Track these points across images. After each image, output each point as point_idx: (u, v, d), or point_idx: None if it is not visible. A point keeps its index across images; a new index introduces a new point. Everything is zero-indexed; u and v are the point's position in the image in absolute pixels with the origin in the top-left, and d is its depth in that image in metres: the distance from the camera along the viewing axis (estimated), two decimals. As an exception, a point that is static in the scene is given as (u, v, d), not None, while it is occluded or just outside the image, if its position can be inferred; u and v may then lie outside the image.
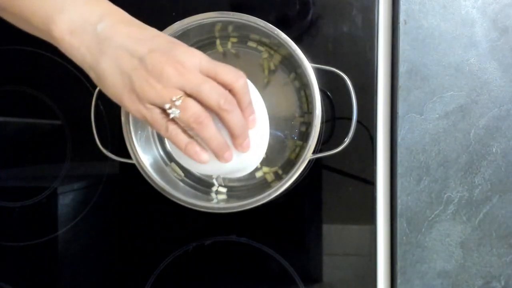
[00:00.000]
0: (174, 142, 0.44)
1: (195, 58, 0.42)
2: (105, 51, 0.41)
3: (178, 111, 0.41)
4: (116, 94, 0.42)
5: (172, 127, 0.43)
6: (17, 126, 0.65)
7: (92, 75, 0.42)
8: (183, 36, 0.56)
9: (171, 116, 0.42)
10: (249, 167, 0.53)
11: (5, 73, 0.64)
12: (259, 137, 0.49)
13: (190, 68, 0.41)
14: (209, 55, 0.60)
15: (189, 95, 0.41)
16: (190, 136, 0.44)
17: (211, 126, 0.43)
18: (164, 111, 0.42)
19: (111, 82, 0.41)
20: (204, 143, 0.44)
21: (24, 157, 0.64)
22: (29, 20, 0.42)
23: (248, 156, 0.48)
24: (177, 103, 0.41)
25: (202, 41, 0.60)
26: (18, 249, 0.63)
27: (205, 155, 0.44)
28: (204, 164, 0.45)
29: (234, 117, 0.43)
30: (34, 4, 0.42)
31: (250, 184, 0.60)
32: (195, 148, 0.44)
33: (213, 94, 0.41)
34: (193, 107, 0.41)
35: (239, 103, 0.44)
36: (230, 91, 0.43)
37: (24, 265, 0.63)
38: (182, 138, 0.43)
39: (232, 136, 0.45)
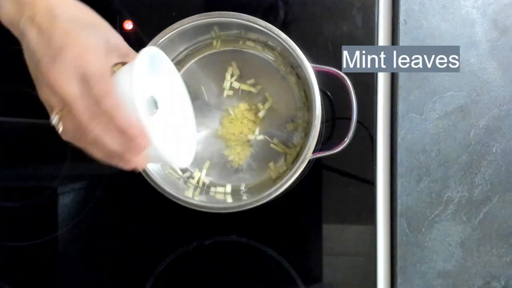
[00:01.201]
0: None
1: (80, 64, 0.38)
2: (24, 43, 0.40)
3: (60, 124, 0.40)
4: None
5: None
6: (17, 126, 0.65)
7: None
8: (182, 36, 0.56)
9: (57, 129, 0.40)
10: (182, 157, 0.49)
11: (5, 73, 0.64)
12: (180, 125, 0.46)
13: (69, 78, 0.38)
14: (208, 55, 0.61)
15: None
16: None
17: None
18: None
19: (31, 72, 0.41)
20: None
21: (24, 157, 0.64)
22: None
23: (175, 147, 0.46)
24: (54, 120, 0.39)
25: (202, 41, 0.60)
26: (18, 249, 0.62)
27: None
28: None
29: (106, 143, 0.39)
30: None
31: (253, 183, 0.60)
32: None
33: (81, 116, 0.38)
34: (69, 124, 0.39)
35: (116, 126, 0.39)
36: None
37: (24, 265, 0.63)
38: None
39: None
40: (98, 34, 0.41)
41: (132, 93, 0.39)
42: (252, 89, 0.60)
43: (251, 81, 0.60)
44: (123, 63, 0.44)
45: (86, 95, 0.38)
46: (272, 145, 0.60)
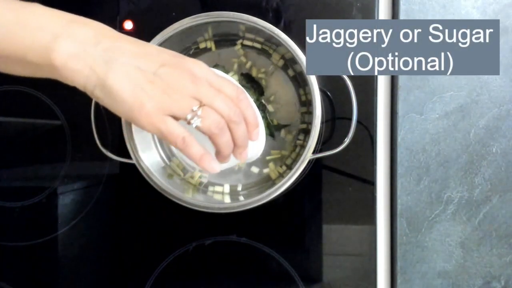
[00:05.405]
0: (188, 153, 0.45)
1: (203, 70, 0.45)
2: (114, 68, 0.42)
3: (200, 119, 0.44)
4: (127, 109, 0.43)
5: (189, 139, 0.44)
6: (17, 126, 0.65)
7: (98, 94, 0.43)
8: (182, 36, 0.56)
9: (194, 125, 0.44)
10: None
11: (5, 73, 0.64)
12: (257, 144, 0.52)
13: (201, 80, 0.44)
14: (208, 55, 0.61)
15: (204, 105, 0.44)
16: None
17: (227, 132, 0.46)
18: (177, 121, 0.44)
19: (121, 98, 0.42)
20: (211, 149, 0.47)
21: (24, 157, 0.64)
22: (24, 57, 0.42)
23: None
24: (199, 112, 0.43)
25: (201, 41, 0.60)
26: (18, 249, 0.63)
27: (216, 166, 0.46)
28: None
29: (240, 129, 0.46)
30: (25, 39, 0.42)
31: (251, 183, 0.60)
32: (209, 158, 0.46)
33: (225, 106, 0.44)
34: (213, 115, 0.44)
35: (244, 117, 0.47)
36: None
37: (24, 265, 0.63)
38: (198, 149, 0.45)
39: (235, 145, 0.48)
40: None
41: None
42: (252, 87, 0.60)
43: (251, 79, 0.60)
44: None
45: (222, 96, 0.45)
46: (267, 157, 0.60)
